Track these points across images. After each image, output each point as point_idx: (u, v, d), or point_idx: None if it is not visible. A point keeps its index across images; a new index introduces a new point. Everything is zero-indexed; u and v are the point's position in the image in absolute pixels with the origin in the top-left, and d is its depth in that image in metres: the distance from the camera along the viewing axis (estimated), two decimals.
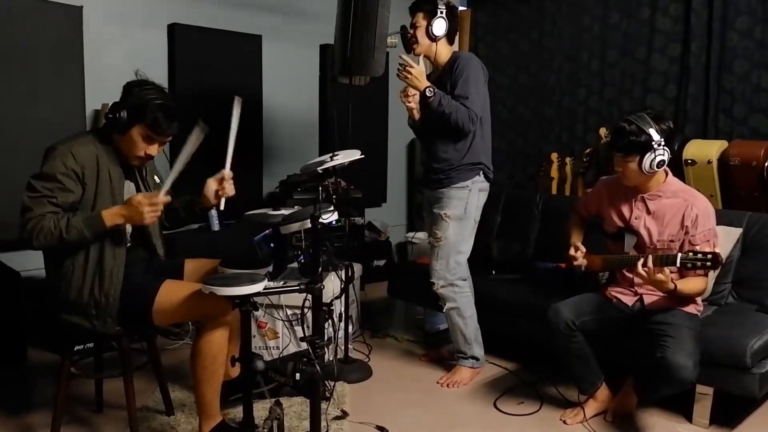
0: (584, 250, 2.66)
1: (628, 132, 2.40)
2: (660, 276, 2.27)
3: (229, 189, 2.29)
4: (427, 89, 2.77)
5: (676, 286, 2.32)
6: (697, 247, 2.36)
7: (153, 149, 2.18)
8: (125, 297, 2.16)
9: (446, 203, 2.93)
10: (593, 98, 4.64)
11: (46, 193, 2.02)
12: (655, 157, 2.38)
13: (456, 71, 2.83)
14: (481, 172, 2.94)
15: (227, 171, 2.28)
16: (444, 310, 3.02)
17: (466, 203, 2.91)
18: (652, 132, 2.37)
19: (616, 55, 4.48)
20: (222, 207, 2.33)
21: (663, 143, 2.38)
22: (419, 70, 2.78)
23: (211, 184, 2.30)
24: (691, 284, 2.39)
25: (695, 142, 3.64)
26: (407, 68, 2.77)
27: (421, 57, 2.88)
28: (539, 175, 4.58)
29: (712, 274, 2.71)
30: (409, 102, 2.88)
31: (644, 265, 2.30)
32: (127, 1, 3.75)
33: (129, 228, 2.24)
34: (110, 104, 2.13)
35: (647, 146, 2.37)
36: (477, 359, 3.05)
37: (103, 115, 2.16)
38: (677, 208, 2.48)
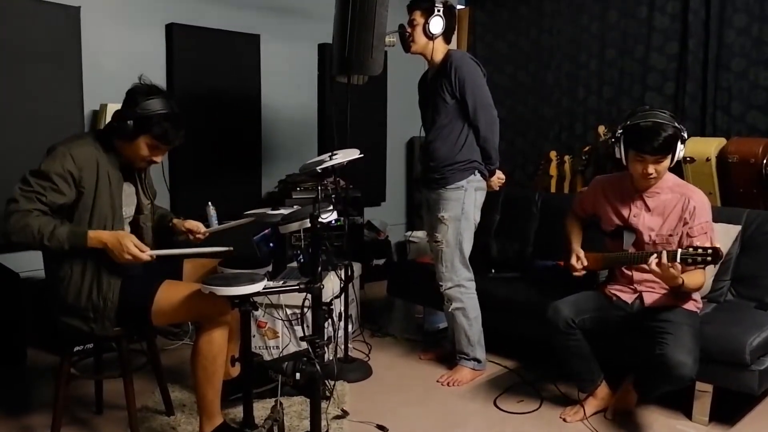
0: (585, 262, 2.64)
1: (658, 129, 2.33)
2: (673, 271, 2.25)
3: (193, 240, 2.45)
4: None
5: (683, 280, 2.30)
6: (695, 239, 2.36)
7: (158, 157, 2.21)
8: (124, 298, 2.16)
9: (443, 205, 2.92)
10: (592, 97, 4.64)
11: (37, 190, 2.02)
12: (683, 146, 2.39)
13: (452, 73, 2.82)
14: (476, 171, 2.93)
15: (202, 228, 2.46)
16: (449, 310, 3.01)
17: (462, 204, 2.90)
18: (675, 123, 2.36)
19: (615, 53, 4.48)
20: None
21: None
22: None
23: (187, 225, 2.45)
24: (694, 278, 2.37)
25: (693, 139, 3.64)
26: None
27: None
28: (538, 173, 4.58)
29: (712, 270, 2.72)
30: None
31: (658, 260, 2.26)
32: (125, 1, 3.75)
33: (127, 228, 2.24)
34: (114, 112, 2.14)
35: (678, 138, 2.36)
36: (479, 361, 3.04)
37: (107, 122, 2.19)
38: (675, 202, 2.48)
